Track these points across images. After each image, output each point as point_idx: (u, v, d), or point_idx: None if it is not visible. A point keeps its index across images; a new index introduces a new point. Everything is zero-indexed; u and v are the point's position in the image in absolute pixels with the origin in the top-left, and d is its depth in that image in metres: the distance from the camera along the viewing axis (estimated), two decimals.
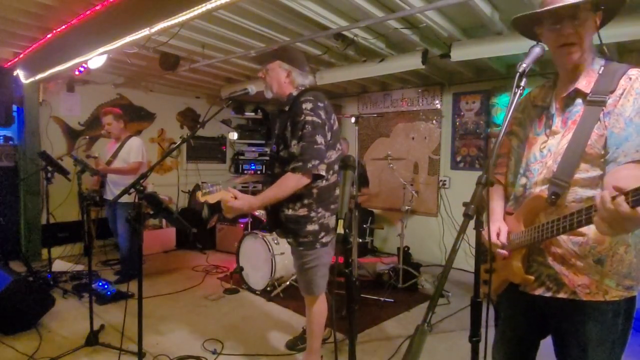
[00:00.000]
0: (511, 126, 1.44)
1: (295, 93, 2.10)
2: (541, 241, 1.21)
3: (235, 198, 1.89)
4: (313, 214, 2.04)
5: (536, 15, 1.20)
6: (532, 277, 1.26)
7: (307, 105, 1.96)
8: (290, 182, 1.92)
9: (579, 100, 1.22)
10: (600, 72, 1.19)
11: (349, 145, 4.48)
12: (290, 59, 2.09)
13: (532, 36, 1.30)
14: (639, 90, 1.11)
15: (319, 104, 1.99)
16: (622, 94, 1.12)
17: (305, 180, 1.93)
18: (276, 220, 2.12)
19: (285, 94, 2.11)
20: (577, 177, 1.17)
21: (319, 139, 1.94)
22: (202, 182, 1.91)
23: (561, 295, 1.22)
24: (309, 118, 1.93)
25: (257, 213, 4.05)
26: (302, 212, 2.03)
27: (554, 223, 1.11)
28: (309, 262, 2.09)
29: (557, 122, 1.26)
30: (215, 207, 5.78)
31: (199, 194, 1.87)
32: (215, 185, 1.89)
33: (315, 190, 2.02)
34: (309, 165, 1.90)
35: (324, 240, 2.08)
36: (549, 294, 1.25)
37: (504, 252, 1.30)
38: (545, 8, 1.15)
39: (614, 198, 0.89)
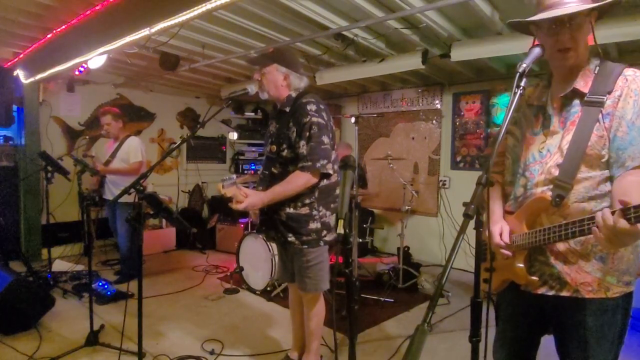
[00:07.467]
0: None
1: (294, 95, 2.11)
2: (546, 244, 1.21)
3: (246, 196, 1.95)
4: (315, 213, 2.06)
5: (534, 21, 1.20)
6: (537, 279, 1.25)
7: (312, 107, 2.00)
8: (301, 180, 1.97)
9: (576, 101, 1.22)
10: (596, 71, 1.19)
11: (351, 150, 4.45)
12: (287, 62, 2.10)
13: (528, 32, 1.30)
14: (637, 92, 1.12)
15: (321, 105, 2.05)
16: (620, 96, 1.13)
17: (314, 180, 2.00)
18: (273, 220, 2.12)
19: (282, 96, 2.12)
20: (578, 178, 1.18)
21: (325, 139, 2.00)
22: (223, 179, 1.97)
23: (564, 293, 1.23)
24: (314, 119, 1.98)
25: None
26: (304, 210, 2.05)
27: (562, 228, 1.11)
28: (315, 259, 2.11)
29: (554, 122, 1.26)
30: (216, 207, 5.79)
31: (219, 185, 1.91)
32: (233, 177, 1.93)
33: (316, 190, 2.05)
34: (318, 164, 1.96)
35: (326, 238, 2.11)
36: (551, 293, 1.25)
37: (508, 252, 1.29)
38: (544, 17, 1.14)
39: (613, 213, 0.92)
